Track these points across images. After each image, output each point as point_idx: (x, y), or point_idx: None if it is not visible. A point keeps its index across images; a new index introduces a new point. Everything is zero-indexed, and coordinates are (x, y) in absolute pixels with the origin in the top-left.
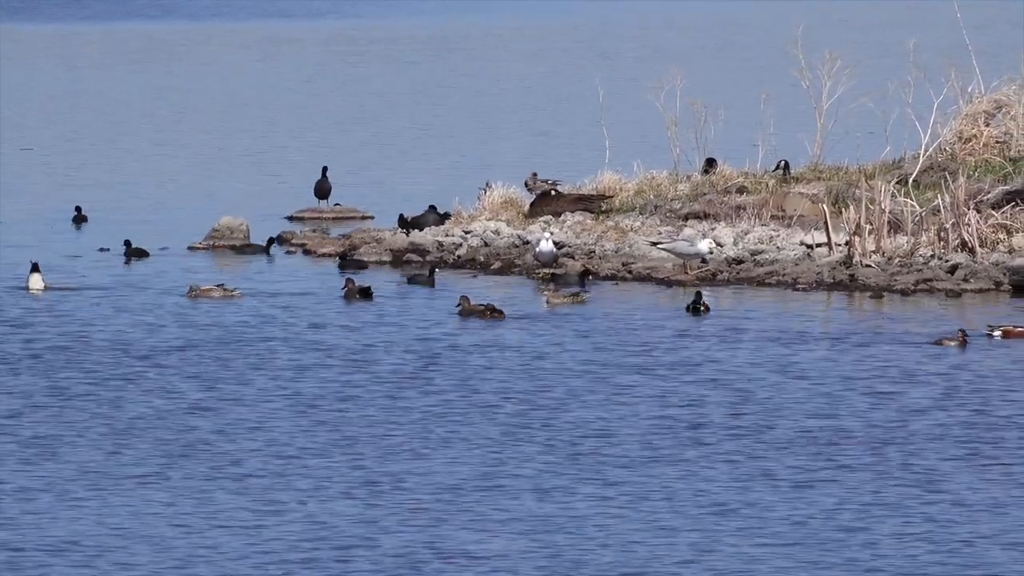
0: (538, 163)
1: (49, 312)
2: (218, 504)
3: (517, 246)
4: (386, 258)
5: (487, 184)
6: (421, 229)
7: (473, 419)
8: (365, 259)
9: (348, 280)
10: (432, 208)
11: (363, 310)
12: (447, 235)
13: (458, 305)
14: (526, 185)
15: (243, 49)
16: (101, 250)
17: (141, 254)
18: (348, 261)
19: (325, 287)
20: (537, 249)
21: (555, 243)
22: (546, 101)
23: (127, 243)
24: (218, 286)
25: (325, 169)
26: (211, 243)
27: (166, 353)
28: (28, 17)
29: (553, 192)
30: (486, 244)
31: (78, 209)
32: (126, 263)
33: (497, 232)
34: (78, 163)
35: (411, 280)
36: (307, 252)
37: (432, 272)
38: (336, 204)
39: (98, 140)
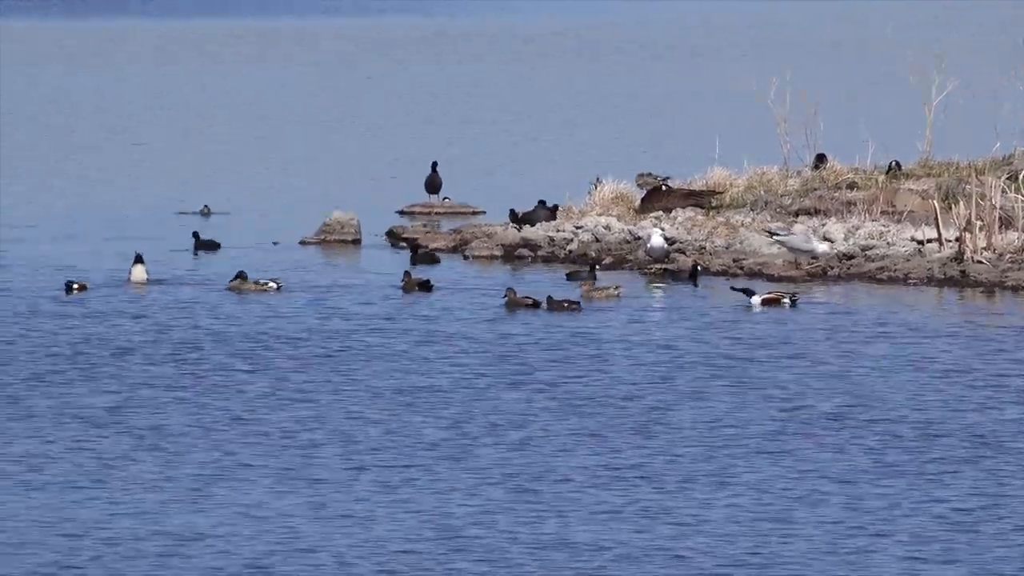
0: (649, 159)
1: (152, 303)
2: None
3: (628, 242)
4: (497, 253)
5: (597, 179)
6: (532, 224)
7: (601, 412)
8: (438, 251)
9: (406, 272)
10: (542, 203)
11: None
12: (558, 230)
13: (504, 297)
14: (637, 181)
15: (356, 46)
16: (210, 243)
17: (212, 246)
18: (420, 255)
19: (447, 280)
20: (648, 244)
21: (666, 238)
22: (656, 96)
23: (195, 235)
24: (254, 281)
25: (435, 164)
26: (322, 237)
27: (265, 345)
28: (130, 13)
29: (664, 188)
30: (597, 239)
31: (205, 206)
32: (195, 255)
33: (608, 227)
34: (192, 158)
35: (570, 277)
36: (418, 247)
37: (593, 269)
38: (446, 199)
39: (211, 136)
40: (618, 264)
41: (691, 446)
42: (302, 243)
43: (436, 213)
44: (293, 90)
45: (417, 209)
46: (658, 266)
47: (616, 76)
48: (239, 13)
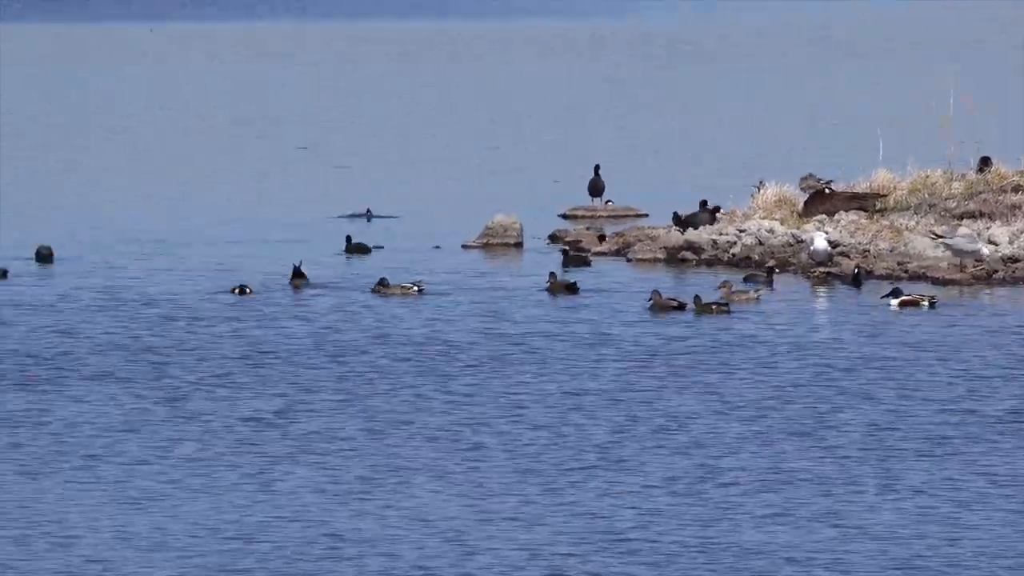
0: (812, 162)
1: (311, 306)
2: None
3: (791, 245)
4: (660, 256)
5: (760, 182)
6: (695, 227)
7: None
8: (590, 254)
9: (551, 274)
10: (704, 205)
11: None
12: (721, 233)
13: (650, 299)
14: (800, 184)
15: (518, 48)
16: (374, 247)
17: (362, 250)
18: (571, 257)
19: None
20: (811, 248)
21: (829, 242)
22: (817, 99)
23: (348, 239)
24: (398, 285)
25: (598, 167)
26: (485, 241)
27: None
28: (311, 17)
29: (827, 191)
30: (760, 243)
31: (367, 210)
32: (347, 259)
33: (771, 231)
34: (355, 161)
35: (747, 280)
36: (581, 251)
37: (771, 273)
38: (608, 202)
39: (373, 138)
40: (781, 267)
41: (857, 449)
42: (464, 247)
43: (599, 216)
44: (457, 92)
45: (580, 212)
46: (821, 269)
47: (774, 76)
48: (388, 14)
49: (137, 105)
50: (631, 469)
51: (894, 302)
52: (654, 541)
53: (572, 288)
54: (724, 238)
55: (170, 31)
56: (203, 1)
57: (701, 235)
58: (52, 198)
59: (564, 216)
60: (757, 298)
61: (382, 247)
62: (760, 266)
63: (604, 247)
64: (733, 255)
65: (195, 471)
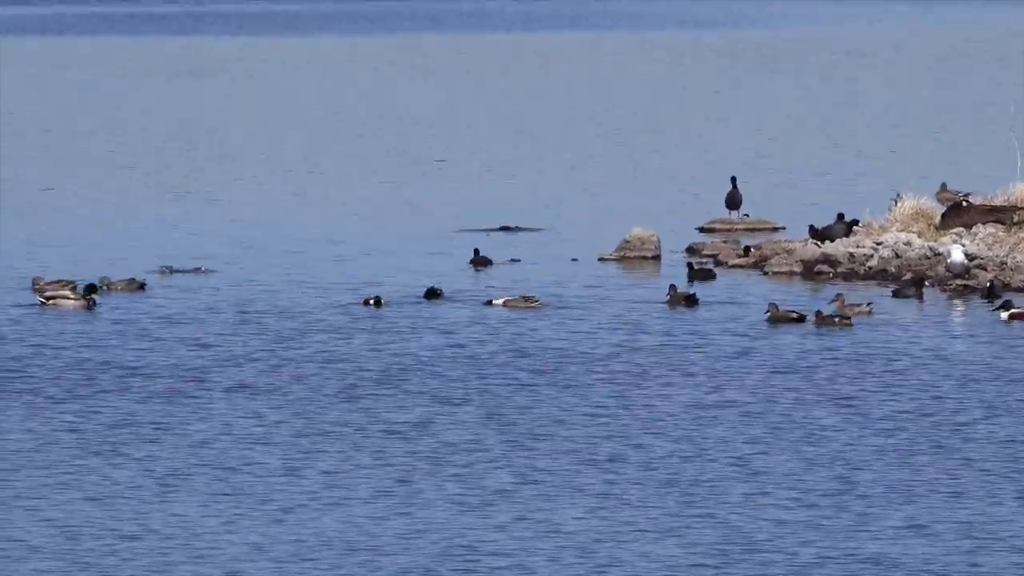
0: (949, 174)
1: (442, 318)
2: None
3: (928, 258)
4: (797, 269)
5: (898, 195)
6: (831, 240)
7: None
8: (716, 267)
9: (671, 287)
10: (840, 217)
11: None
12: (858, 246)
13: (767, 312)
14: (937, 197)
15: (648, 58)
16: (512, 260)
17: (485, 263)
18: (697, 271)
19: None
20: (948, 260)
21: (966, 254)
22: (956, 110)
23: (476, 251)
24: (522, 297)
25: (735, 180)
26: (622, 254)
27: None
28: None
29: (964, 203)
30: (897, 255)
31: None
32: (475, 271)
33: (908, 243)
34: (492, 175)
35: (896, 294)
36: (718, 263)
37: (920, 286)
38: (745, 215)
39: (511, 152)
40: (918, 280)
41: (993, 461)
42: (601, 260)
43: (736, 229)
44: (591, 103)
45: (717, 225)
46: (958, 282)
47: (910, 86)
48: (501, 26)
49: (269, 118)
50: (766, 480)
51: (1004, 314)
52: (792, 551)
53: (692, 300)
54: (861, 251)
55: (307, 44)
56: (332, 15)
57: (838, 248)
58: (182, 213)
59: (701, 229)
60: (869, 311)
61: (519, 260)
62: (897, 279)
63: (741, 260)
64: (869, 268)
65: (332, 483)
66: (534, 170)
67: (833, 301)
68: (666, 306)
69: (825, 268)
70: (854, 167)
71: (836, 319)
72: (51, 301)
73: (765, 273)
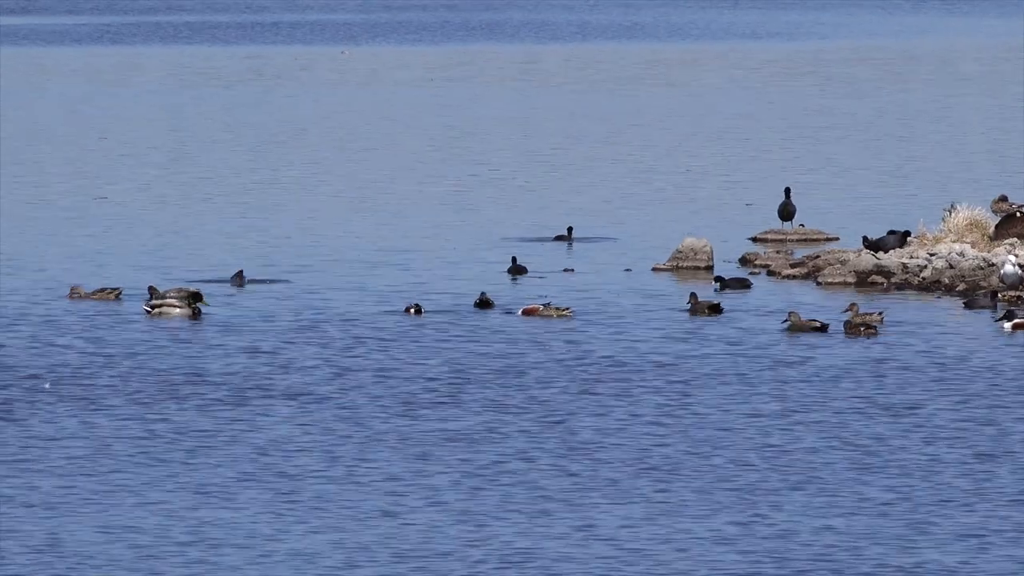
0: (1005, 185)
1: (484, 328)
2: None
3: (982, 268)
4: (850, 280)
5: (952, 206)
6: (886, 251)
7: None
8: (769, 277)
9: (692, 295)
10: (893, 230)
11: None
12: (911, 257)
13: (786, 320)
14: (992, 207)
15: (707, 69)
16: (565, 271)
17: (521, 271)
18: (729, 281)
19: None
20: (1002, 271)
21: (1020, 265)
22: (1012, 121)
23: (513, 259)
24: (546, 305)
25: (788, 191)
26: (674, 264)
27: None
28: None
29: (1019, 214)
30: (951, 266)
31: (569, 229)
32: (512, 280)
33: (962, 254)
34: (547, 184)
35: (968, 305)
36: (771, 273)
37: (995, 296)
38: (800, 225)
39: (568, 162)
40: (971, 291)
41: None
42: (654, 270)
43: (789, 240)
44: (647, 113)
45: (770, 236)
46: (1012, 293)
47: (963, 96)
48: (571, 37)
49: (329, 127)
50: (825, 490)
51: (1007, 325)
52: (853, 561)
53: (716, 309)
54: (914, 261)
55: (363, 54)
56: (397, 26)
57: (891, 258)
58: (243, 221)
59: (754, 239)
60: (881, 319)
61: (572, 270)
62: (950, 289)
63: (795, 271)
64: (923, 279)
65: (389, 491)
66: (589, 179)
67: (847, 310)
68: (688, 314)
69: (878, 279)
70: (908, 177)
71: (863, 328)
72: (157, 310)
73: (819, 284)
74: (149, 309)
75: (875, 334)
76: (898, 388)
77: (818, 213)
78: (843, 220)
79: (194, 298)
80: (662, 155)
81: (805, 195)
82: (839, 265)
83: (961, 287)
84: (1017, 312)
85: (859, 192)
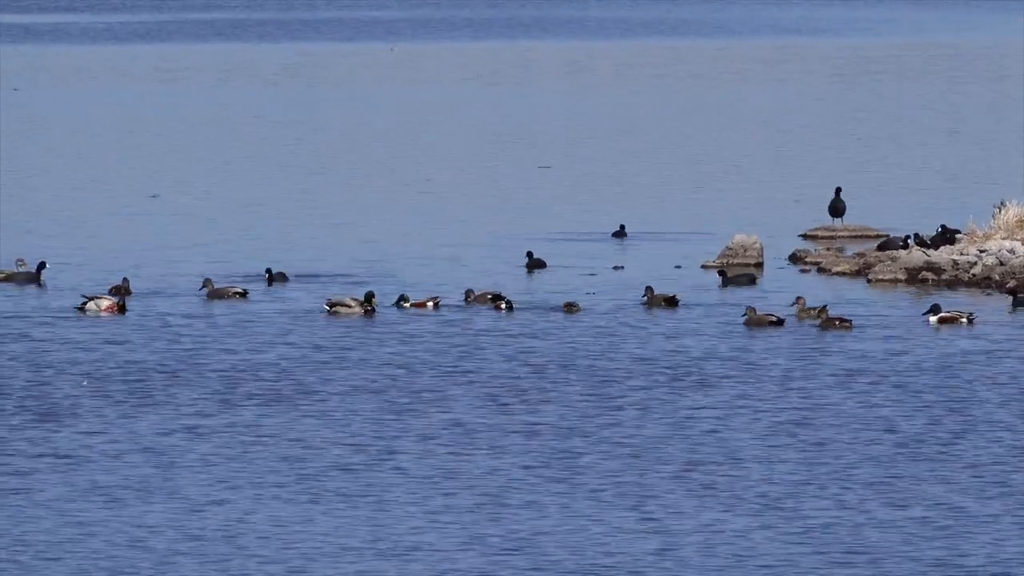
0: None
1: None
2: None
3: None
4: (901, 276)
5: (1002, 203)
6: (935, 248)
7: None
8: (820, 273)
9: (648, 288)
10: (943, 227)
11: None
12: (962, 254)
13: (744, 315)
14: None
15: (758, 65)
16: (615, 268)
17: (540, 265)
18: (732, 277)
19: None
20: None
21: None
22: None
23: (529, 254)
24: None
25: (839, 189)
26: (724, 260)
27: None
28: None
29: None
30: (1001, 263)
31: (621, 227)
32: (528, 273)
33: (1012, 251)
34: (598, 181)
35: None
36: (821, 270)
37: None
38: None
39: (617, 158)
40: (1022, 288)
41: None
42: (704, 267)
43: (839, 236)
44: (699, 110)
45: (820, 233)
46: None
47: (1011, 93)
48: (615, 33)
49: (379, 123)
50: (875, 487)
51: (933, 319)
52: (902, 558)
53: (672, 302)
54: (964, 258)
55: (410, 51)
56: (444, 23)
57: (942, 255)
58: (283, 219)
59: (804, 236)
60: (826, 314)
61: (622, 267)
62: (1001, 286)
63: (845, 267)
64: (973, 275)
65: (435, 488)
66: (640, 176)
67: (793, 304)
68: (644, 308)
69: (929, 275)
70: (958, 174)
71: (837, 321)
72: (333, 309)
73: (869, 281)
74: (328, 308)
75: (848, 328)
76: (948, 384)
77: (869, 209)
78: (894, 216)
79: (367, 298)
80: (711, 151)
81: (855, 191)
82: (890, 262)
83: (1011, 283)
84: (941, 306)
85: (910, 189)
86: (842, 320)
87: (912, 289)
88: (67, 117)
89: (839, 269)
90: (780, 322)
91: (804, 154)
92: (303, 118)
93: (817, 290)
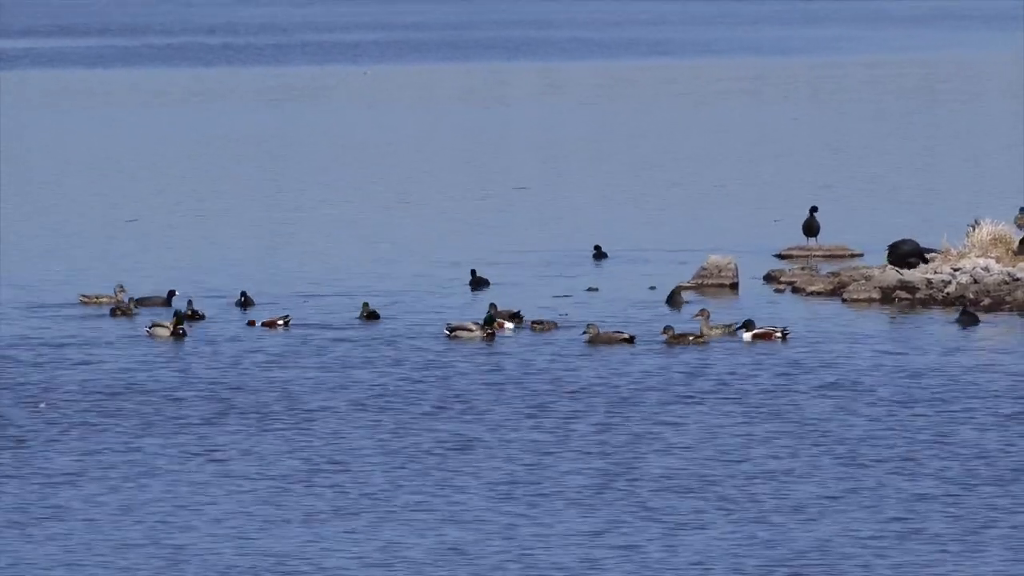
0: None
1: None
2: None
3: (1007, 283)
4: (875, 296)
5: (975, 221)
6: (910, 267)
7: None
8: (794, 293)
9: (491, 305)
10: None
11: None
12: (936, 272)
13: (585, 332)
14: (1016, 220)
15: (734, 86)
16: (589, 289)
17: (483, 283)
18: (673, 299)
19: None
20: None
21: None
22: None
23: (473, 272)
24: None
25: (814, 208)
26: (699, 281)
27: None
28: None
29: None
30: (975, 281)
31: (598, 247)
32: (472, 291)
33: (987, 269)
34: (572, 202)
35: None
36: (795, 290)
37: None
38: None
39: (590, 179)
40: (996, 306)
41: None
42: (679, 288)
43: (814, 256)
44: (673, 130)
45: (795, 252)
46: None
47: (983, 111)
48: (594, 54)
49: (353, 145)
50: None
51: (747, 335)
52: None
53: (515, 317)
54: (939, 277)
55: (384, 72)
56: (420, 45)
57: (915, 274)
58: (257, 240)
59: (779, 256)
60: (732, 331)
61: (597, 289)
62: (976, 304)
63: (820, 286)
64: (947, 294)
65: (455, 505)
66: (614, 198)
67: (697, 316)
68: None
69: (903, 295)
70: (932, 193)
71: (691, 337)
72: (454, 333)
73: (844, 300)
74: (449, 332)
75: (704, 344)
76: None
77: (843, 229)
78: (868, 236)
79: (487, 322)
80: (688, 171)
81: (830, 211)
82: (864, 281)
83: (986, 302)
84: (755, 322)
85: (884, 208)
86: (697, 336)
87: (887, 308)
88: (40, 141)
89: (814, 289)
90: (630, 340)
91: (781, 174)
92: (278, 140)
93: (792, 310)
